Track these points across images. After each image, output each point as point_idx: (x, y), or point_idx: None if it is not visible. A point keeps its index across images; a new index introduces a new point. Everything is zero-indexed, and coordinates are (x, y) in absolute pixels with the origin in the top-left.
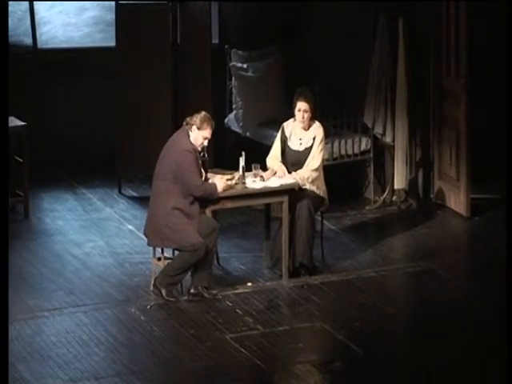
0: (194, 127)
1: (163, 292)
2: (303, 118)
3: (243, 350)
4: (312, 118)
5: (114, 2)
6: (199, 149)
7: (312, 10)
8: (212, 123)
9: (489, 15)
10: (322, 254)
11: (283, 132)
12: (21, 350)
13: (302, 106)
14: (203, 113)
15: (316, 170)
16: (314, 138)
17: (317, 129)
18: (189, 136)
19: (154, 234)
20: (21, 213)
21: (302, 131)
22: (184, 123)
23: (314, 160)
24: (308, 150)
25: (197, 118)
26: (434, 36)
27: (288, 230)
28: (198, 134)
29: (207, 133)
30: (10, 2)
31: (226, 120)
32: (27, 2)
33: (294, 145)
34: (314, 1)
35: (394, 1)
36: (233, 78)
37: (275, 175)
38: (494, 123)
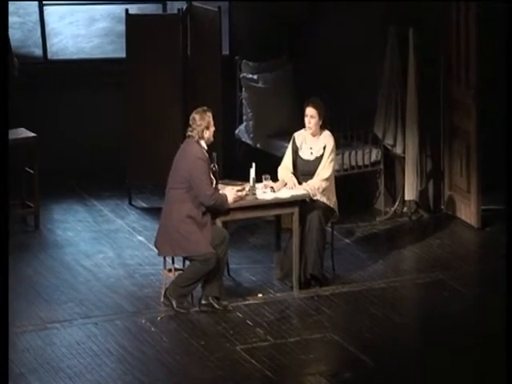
0: (203, 130)
1: (174, 303)
2: (309, 123)
3: (254, 361)
4: (322, 127)
5: (124, 14)
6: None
7: (322, 20)
8: (206, 110)
9: (499, 25)
10: (332, 265)
11: (294, 142)
12: (32, 361)
13: (309, 111)
14: (196, 116)
15: (326, 179)
16: (324, 148)
17: (327, 137)
18: (199, 143)
19: (165, 242)
20: (31, 224)
21: (312, 140)
22: (190, 137)
23: (325, 170)
24: (319, 159)
25: (199, 126)
26: (444, 46)
27: (299, 242)
28: (210, 132)
29: (212, 122)
30: (21, 13)
31: (236, 131)
32: (37, 14)
33: (305, 154)
34: (324, 1)
35: (405, 2)
36: (243, 89)
37: (286, 186)
38: (504, 134)
